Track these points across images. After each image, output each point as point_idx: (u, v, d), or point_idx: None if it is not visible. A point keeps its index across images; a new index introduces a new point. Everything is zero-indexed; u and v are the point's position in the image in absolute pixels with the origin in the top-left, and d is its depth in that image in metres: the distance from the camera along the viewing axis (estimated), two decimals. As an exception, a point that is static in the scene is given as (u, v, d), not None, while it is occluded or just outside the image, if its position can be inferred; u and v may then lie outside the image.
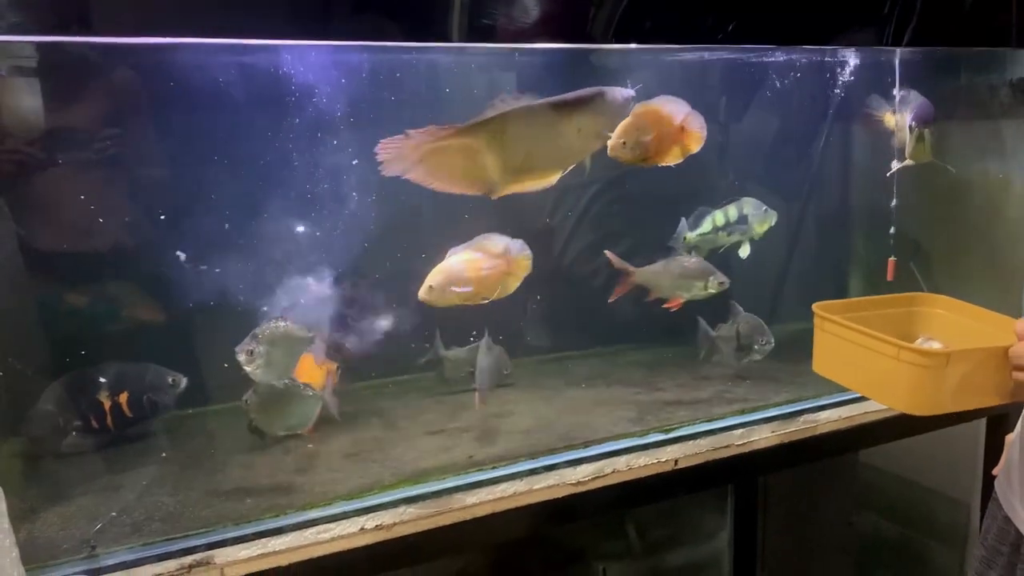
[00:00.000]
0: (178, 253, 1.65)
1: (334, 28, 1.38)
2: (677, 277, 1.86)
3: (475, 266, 1.56)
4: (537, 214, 2.13)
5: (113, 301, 1.74)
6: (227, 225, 1.72)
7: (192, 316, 1.75)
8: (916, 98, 1.95)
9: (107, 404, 1.64)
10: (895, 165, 1.96)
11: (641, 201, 2.15)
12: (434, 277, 1.54)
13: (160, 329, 1.77)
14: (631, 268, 1.85)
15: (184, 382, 1.68)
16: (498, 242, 1.58)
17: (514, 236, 1.61)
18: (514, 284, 1.59)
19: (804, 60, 2.11)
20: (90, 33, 1.26)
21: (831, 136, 2.26)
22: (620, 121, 1.50)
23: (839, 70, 2.14)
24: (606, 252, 1.85)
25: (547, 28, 1.49)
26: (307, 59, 1.69)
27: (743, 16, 1.60)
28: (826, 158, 2.24)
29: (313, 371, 1.69)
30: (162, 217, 1.71)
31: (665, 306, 1.85)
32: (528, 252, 1.60)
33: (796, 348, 1.71)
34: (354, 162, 1.77)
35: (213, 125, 1.69)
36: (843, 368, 1.39)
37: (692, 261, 1.89)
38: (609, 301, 1.86)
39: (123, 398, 1.65)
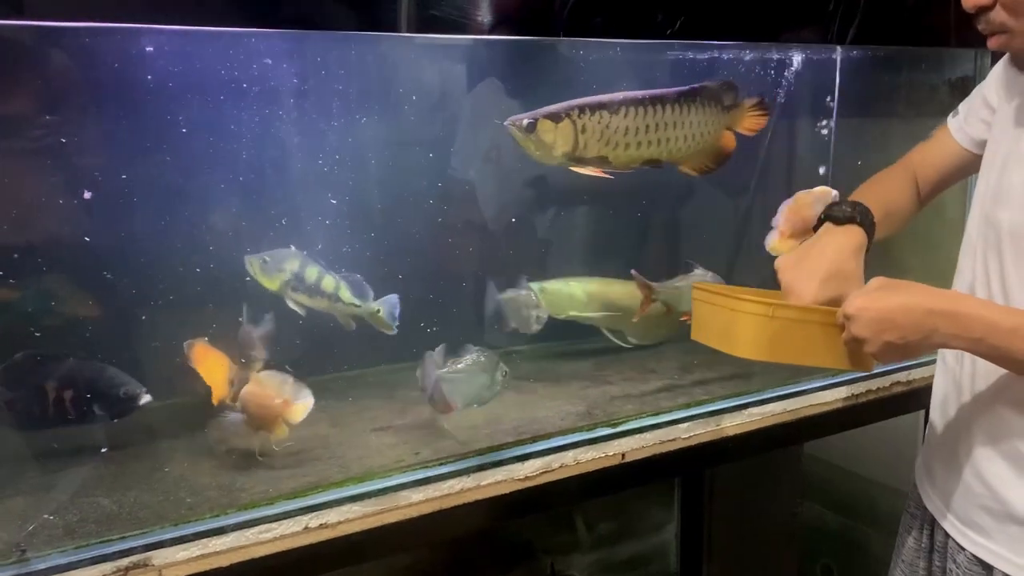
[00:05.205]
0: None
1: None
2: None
3: (254, 399, 1.52)
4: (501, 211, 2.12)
5: (47, 295, 1.68)
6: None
7: (132, 310, 1.70)
8: None
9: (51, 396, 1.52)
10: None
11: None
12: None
13: (97, 323, 1.72)
14: (653, 285, 1.88)
15: (143, 396, 1.56)
16: (276, 381, 1.52)
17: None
18: (283, 431, 1.52)
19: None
20: (22, 17, 1.22)
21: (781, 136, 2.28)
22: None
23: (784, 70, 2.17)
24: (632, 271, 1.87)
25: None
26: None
27: (688, 12, 1.61)
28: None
29: (216, 366, 1.61)
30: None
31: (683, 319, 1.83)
32: (308, 399, 1.50)
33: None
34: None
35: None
36: (708, 330, 1.50)
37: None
38: (634, 320, 1.93)
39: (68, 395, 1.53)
